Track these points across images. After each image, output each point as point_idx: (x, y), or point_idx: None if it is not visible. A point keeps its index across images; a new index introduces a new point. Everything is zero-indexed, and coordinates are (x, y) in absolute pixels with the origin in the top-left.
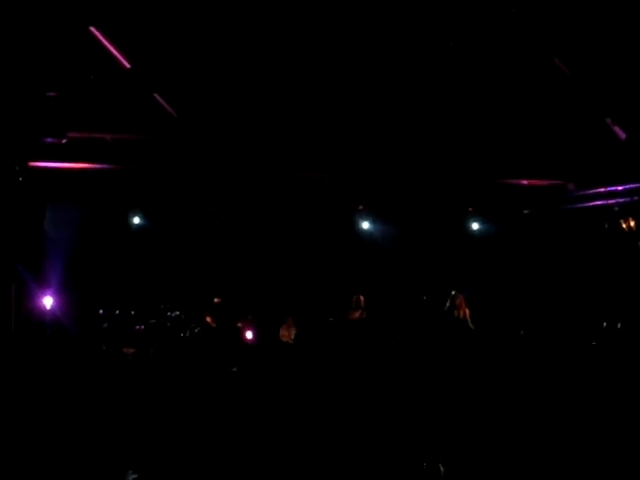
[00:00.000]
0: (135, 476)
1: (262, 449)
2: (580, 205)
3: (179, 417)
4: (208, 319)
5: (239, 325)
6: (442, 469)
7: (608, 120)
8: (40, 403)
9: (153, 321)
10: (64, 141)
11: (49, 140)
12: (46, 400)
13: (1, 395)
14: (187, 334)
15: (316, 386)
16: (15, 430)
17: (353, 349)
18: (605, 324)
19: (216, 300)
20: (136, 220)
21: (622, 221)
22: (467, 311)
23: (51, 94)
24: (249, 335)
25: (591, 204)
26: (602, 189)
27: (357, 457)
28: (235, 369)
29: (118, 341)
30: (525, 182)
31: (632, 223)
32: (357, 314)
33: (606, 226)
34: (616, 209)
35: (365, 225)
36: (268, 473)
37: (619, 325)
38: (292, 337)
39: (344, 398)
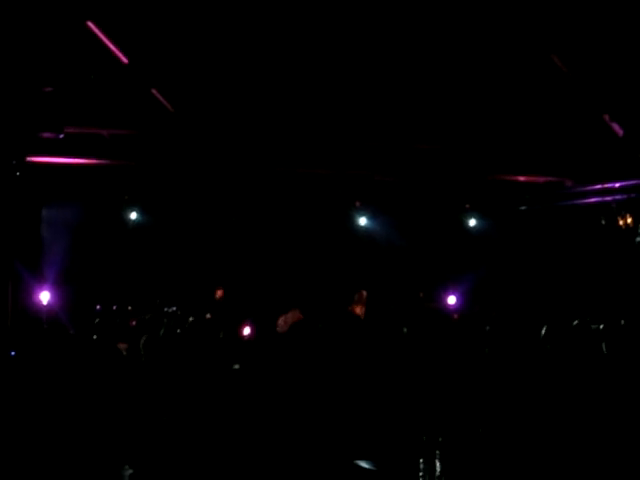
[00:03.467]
0: (131, 471)
1: (256, 441)
2: (577, 202)
3: (174, 412)
4: (208, 315)
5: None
6: (439, 465)
7: (606, 116)
8: (37, 397)
9: (148, 316)
10: (61, 136)
11: (46, 135)
12: (42, 394)
13: None
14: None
15: (309, 378)
16: (11, 424)
17: (349, 343)
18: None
19: (219, 293)
20: (133, 216)
21: (619, 218)
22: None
23: (48, 89)
24: (246, 331)
25: (588, 201)
26: (599, 186)
27: (353, 448)
28: (236, 366)
29: (111, 336)
30: (522, 178)
31: (629, 220)
32: (359, 309)
33: (603, 223)
34: (613, 206)
35: (362, 221)
36: (265, 466)
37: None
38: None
39: (339, 389)
